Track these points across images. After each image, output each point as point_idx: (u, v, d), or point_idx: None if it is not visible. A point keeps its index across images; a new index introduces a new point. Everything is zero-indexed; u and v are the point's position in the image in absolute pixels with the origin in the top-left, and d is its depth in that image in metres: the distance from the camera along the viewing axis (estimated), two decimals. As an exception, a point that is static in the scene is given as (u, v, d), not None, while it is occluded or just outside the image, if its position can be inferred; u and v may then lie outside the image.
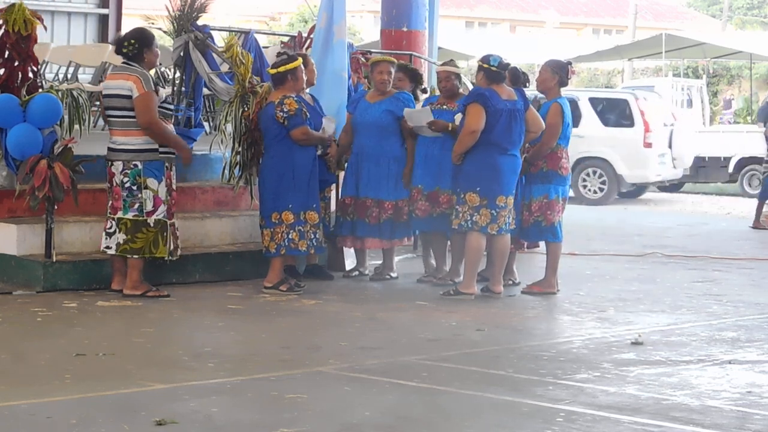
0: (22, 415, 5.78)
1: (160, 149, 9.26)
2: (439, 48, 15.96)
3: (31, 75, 9.92)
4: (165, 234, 9.23)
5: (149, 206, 9.19)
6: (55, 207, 9.28)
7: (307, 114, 9.68)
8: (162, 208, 9.23)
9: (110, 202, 9.30)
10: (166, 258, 9.29)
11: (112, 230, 9.26)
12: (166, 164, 9.30)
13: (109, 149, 9.32)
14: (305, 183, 9.69)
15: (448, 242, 10.57)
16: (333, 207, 10.95)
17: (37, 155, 9.19)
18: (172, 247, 9.31)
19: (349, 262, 10.95)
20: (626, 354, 7.78)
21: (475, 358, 7.49)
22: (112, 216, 9.27)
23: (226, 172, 10.34)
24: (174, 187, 9.39)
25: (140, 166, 9.17)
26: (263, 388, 6.51)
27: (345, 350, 7.63)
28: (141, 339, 7.71)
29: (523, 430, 5.96)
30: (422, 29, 14.16)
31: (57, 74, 15.20)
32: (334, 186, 10.92)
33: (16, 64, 9.90)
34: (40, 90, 9.81)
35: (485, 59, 9.69)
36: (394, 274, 10.65)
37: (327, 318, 8.84)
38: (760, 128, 24.35)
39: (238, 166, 10.20)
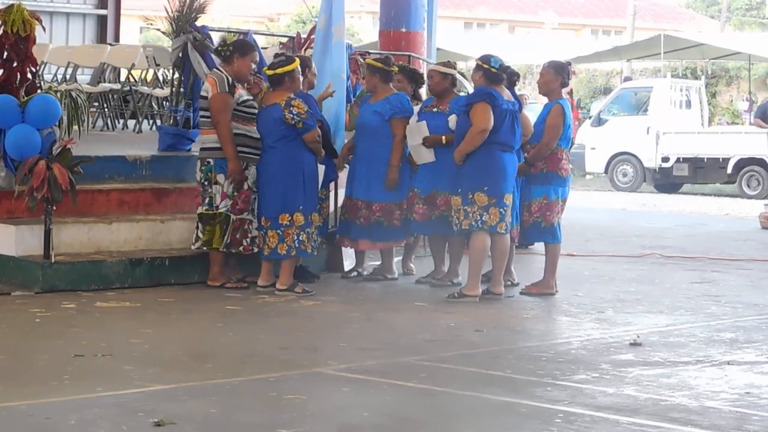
0: (21, 415, 5.77)
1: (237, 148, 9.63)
2: (438, 49, 15.95)
3: (29, 76, 9.92)
4: (225, 227, 9.56)
5: (217, 200, 9.59)
6: (54, 208, 9.27)
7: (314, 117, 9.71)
8: (225, 203, 9.57)
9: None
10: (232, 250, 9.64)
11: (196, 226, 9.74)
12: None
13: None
14: (313, 184, 9.72)
15: (446, 243, 10.57)
16: (331, 207, 10.93)
17: (35, 156, 9.19)
18: (228, 240, 9.57)
19: (348, 263, 10.95)
20: (625, 355, 7.78)
21: (473, 359, 7.49)
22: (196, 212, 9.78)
23: (225, 173, 10.33)
24: (248, 185, 9.62)
25: (212, 163, 9.59)
26: (262, 389, 6.51)
27: (343, 351, 7.63)
28: (139, 340, 7.70)
29: (522, 430, 5.96)
30: (421, 30, 14.17)
31: (56, 75, 15.23)
32: (332, 185, 10.91)
33: (15, 64, 9.91)
34: (39, 91, 9.82)
35: (486, 59, 9.66)
36: (392, 275, 10.65)
37: (325, 319, 8.83)
38: (760, 126, 24.40)
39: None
